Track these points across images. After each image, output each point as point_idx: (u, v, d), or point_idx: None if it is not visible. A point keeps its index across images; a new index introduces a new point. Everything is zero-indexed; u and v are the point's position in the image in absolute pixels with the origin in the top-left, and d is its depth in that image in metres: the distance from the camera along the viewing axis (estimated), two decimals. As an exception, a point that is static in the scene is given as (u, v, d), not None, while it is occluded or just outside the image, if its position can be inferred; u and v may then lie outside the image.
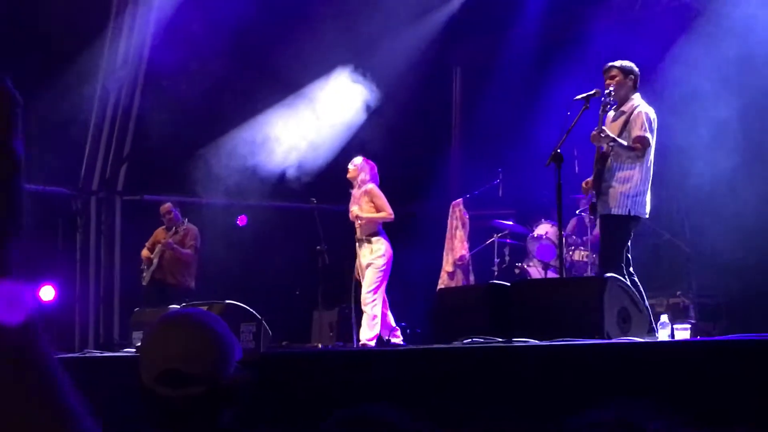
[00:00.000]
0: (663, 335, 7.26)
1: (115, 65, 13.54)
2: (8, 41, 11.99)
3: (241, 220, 13.02)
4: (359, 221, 9.92)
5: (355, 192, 10.02)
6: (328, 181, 12.68)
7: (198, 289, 11.39)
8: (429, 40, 13.59)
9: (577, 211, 11.41)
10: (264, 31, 13.08)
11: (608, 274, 7.13)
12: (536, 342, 6.33)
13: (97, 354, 10.51)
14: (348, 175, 10.08)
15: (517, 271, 11.74)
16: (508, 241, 12.13)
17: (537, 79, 12.81)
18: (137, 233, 12.64)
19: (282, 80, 13.17)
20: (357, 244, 10.01)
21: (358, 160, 10.14)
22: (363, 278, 9.87)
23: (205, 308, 8.03)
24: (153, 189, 13.39)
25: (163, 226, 11.62)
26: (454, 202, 12.20)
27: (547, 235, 11.23)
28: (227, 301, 8.56)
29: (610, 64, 8.05)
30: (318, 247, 10.90)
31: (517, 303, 7.29)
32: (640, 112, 7.79)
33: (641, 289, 7.60)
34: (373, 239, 9.84)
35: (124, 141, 13.71)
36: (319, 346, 10.30)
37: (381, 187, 10.13)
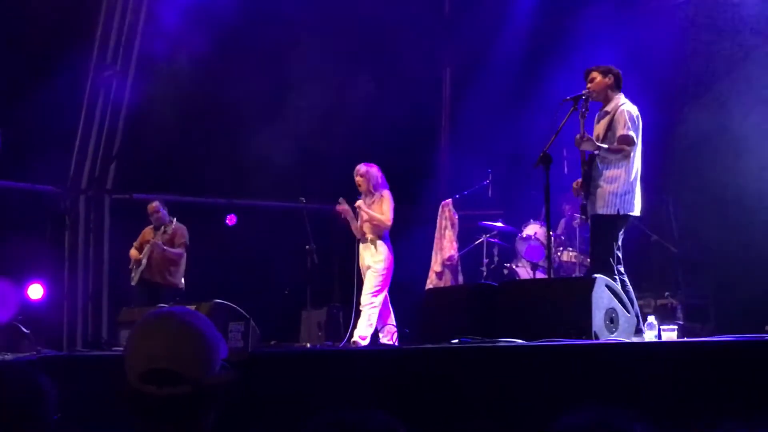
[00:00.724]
0: (650, 336, 7.28)
1: (104, 63, 13.52)
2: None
3: (230, 220, 13.01)
4: (370, 226, 9.91)
5: (368, 200, 9.98)
6: (318, 180, 12.69)
7: (186, 289, 11.37)
8: (419, 41, 13.60)
9: (571, 216, 11.44)
10: (255, 28, 13.07)
11: (596, 275, 7.15)
12: (524, 342, 6.35)
13: (86, 353, 10.51)
14: (360, 188, 10.02)
15: (505, 271, 11.76)
16: (496, 241, 12.15)
17: (526, 80, 12.83)
18: (126, 232, 12.61)
19: (273, 79, 13.16)
20: (361, 243, 10.02)
21: (362, 169, 10.05)
22: (364, 278, 9.89)
23: (193, 307, 8.03)
24: (142, 188, 13.35)
25: (151, 225, 11.58)
26: (443, 202, 12.21)
27: (536, 236, 11.26)
28: (215, 300, 8.57)
29: (589, 68, 8.09)
30: (307, 247, 10.89)
31: (504, 303, 7.30)
32: (623, 110, 7.80)
33: (630, 290, 7.62)
34: (377, 242, 9.86)
35: (113, 139, 13.68)
36: (308, 345, 10.30)
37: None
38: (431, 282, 11.83)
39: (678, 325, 8.33)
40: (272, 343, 10.00)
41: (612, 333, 6.67)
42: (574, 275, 10.72)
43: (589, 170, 7.89)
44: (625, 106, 7.84)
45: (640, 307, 9.71)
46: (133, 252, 11.54)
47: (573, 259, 10.97)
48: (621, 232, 7.85)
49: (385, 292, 9.87)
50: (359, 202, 9.97)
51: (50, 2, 12.10)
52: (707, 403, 4.88)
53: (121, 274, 12.53)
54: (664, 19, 11.70)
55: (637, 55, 11.10)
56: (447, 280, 11.82)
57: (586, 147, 7.83)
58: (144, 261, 11.27)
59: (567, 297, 7.04)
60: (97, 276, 13.68)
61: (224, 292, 9.42)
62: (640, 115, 7.86)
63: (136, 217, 12.37)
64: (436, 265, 11.95)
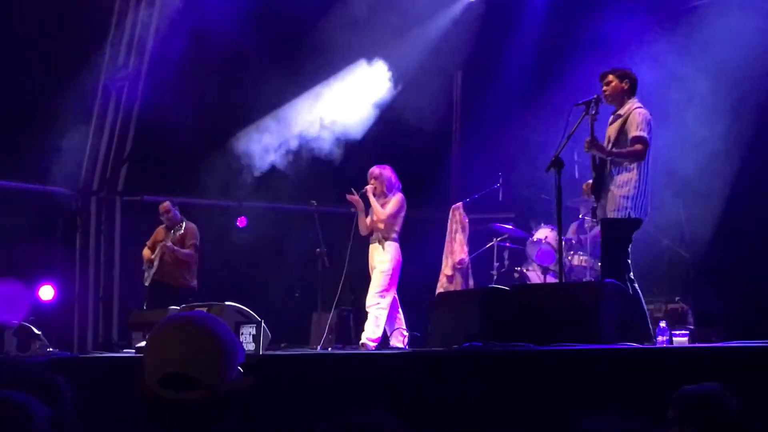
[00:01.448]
0: (661, 341, 7.27)
1: (117, 65, 13.57)
2: (10, 42, 12.02)
3: (241, 222, 13.02)
4: (378, 221, 9.90)
5: (381, 200, 9.97)
6: (329, 183, 12.69)
7: (198, 290, 11.38)
8: (430, 45, 13.60)
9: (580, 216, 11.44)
10: (266, 32, 13.09)
11: (607, 280, 7.14)
12: (534, 347, 6.34)
13: (97, 354, 10.54)
14: (375, 192, 10.00)
15: (516, 275, 11.75)
16: (507, 245, 12.13)
17: (537, 84, 12.82)
18: (137, 233, 12.64)
19: (283, 82, 13.18)
20: (371, 243, 10.02)
21: (375, 171, 10.03)
22: (372, 279, 9.88)
23: (204, 309, 8.06)
24: (153, 189, 13.38)
25: (164, 225, 11.60)
26: (454, 206, 12.19)
27: (547, 240, 11.24)
28: (227, 303, 8.57)
29: (605, 70, 8.07)
30: (318, 250, 10.89)
31: (515, 307, 7.29)
32: (637, 112, 7.78)
33: (640, 295, 7.60)
34: (386, 243, 9.85)
35: (125, 141, 13.74)
36: (318, 348, 10.30)
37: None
38: (442, 286, 11.82)
39: (689, 330, 8.30)
40: (282, 345, 10.00)
41: (623, 338, 6.66)
42: (584, 279, 10.70)
43: (601, 173, 7.87)
44: (638, 108, 7.83)
45: (651, 311, 9.71)
46: (146, 252, 11.56)
47: (584, 263, 10.95)
48: (631, 237, 7.82)
49: (392, 294, 9.83)
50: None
51: (63, 6, 12.14)
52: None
53: (131, 276, 12.56)
54: (672, 24, 11.68)
55: (651, 59, 11.07)
56: (457, 284, 11.80)
57: (595, 152, 7.81)
58: (156, 262, 11.28)
59: (578, 301, 7.03)
60: (107, 277, 13.73)
61: (235, 294, 9.42)
62: (651, 119, 7.84)
63: (146, 219, 12.40)
64: (446, 269, 11.93)
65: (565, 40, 12.74)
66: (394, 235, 9.87)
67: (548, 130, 10.54)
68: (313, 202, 11.09)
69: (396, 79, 13.01)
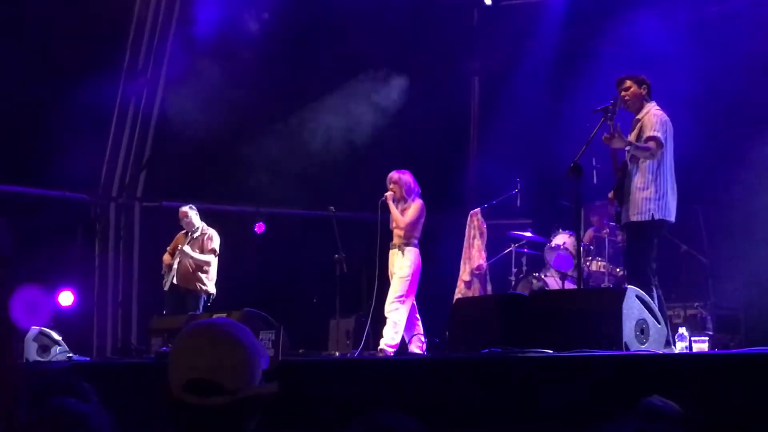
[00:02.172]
0: (681, 347, 7.25)
1: (136, 70, 13.62)
2: (29, 47, 12.08)
3: (259, 228, 13.04)
4: (400, 233, 9.91)
5: (401, 206, 9.99)
6: (347, 189, 12.71)
7: (217, 296, 11.40)
8: (447, 50, 13.61)
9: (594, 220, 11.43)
10: (287, 39, 13.14)
11: (626, 285, 7.12)
12: (553, 353, 6.33)
13: (116, 359, 10.58)
14: (394, 196, 10.01)
15: (534, 281, 11.73)
16: (525, 250, 12.13)
17: (556, 90, 12.81)
18: (156, 239, 12.69)
19: (301, 89, 13.21)
20: (390, 249, 10.02)
21: (394, 176, 10.03)
22: (391, 285, 9.88)
23: (224, 315, 8.08)
24: (172, 195, 13.43)
25: (184, 231, 11.64)
26: (472, 212, 12.19)
27: (565, 246, 11.22)
28: (246, 309, 8.59)
29: (622, 76, 8.08)
30: (336, 256, 10.91)
31: (534, 313, 7.28)
32: (652, 114, 7.82)
33: (663, 301, 7.58)
34: (406, 249, 9.85)
35: (144, 147, 13.79)
36: (336, 353, 10.31)
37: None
38: (460, 291, 11.82)
39: (708, 336, 8.28)
40: (301, 351, 10.02)
41: (643, 344, 6.64)
42: (603, 285, 10.67)
43: (623, 178, 7.88)
44: (654, 110, 7.85)
45: (670, 317, 9.68)
46: (166, 257, 11.60)
47: (602, 269, 10.93)
48: (656, 240, 7.79)
49: (411, 300, 9.83)
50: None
51: (81, 10, 12.20)
52: (737, 416, 4.86)
53: (150, 281, 12.60)
54: (698, 30, 11.65)
55: (668, 65, 11.05)
56: (476, 290, 11.80)
57: (616, 144, 7.79)
58: (175, 267, 11.31)
59: (597, 307, 7.01)
60: (126, 283, 13.77)
61: (253, 300, 9.44)
62: (669, 122, 7.83)
63: (165, 225, 12.44)
64: (464, 275, 11.93)
65: (583, 46, 12.74)
66: (414, 241, 9.87)
67: (566, 136, 10.54)
68: (332, 208, 11.10)
69: (414, 85, 13.02)
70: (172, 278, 11.34)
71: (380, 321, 9.94)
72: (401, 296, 9.69)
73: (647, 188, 7.73)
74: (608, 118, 7.81)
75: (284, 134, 13.00)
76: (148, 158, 13.83)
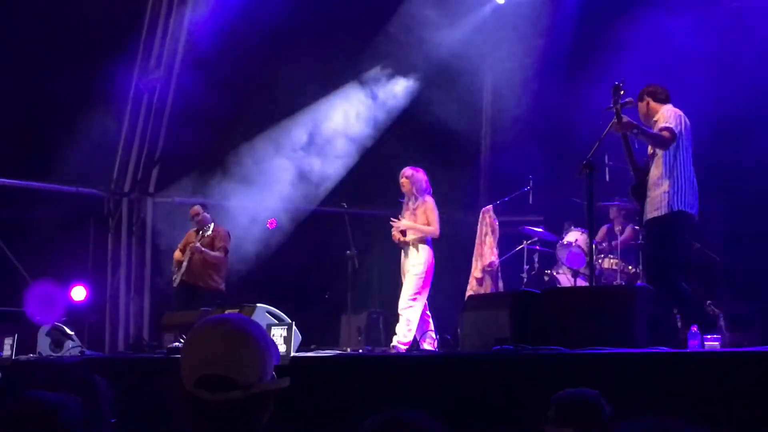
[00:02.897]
0: (693, 345, 7.22)
1: (148, 67, 13.65)
2: (43, 43, 12.11)
3: (271, 224, 13.04)
4: (409, 230, 9.91)
5: (411, 203, 10.00)
6: (359, 185, 12.71)
7: (228, 292, 11.42)
8: (460, 47, 13.59)
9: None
10: (296, 34, 13.14)
11: (639, 283, 7.10)
12: (566, 350, 6.32)
13: (128, 354, 10.60)
14: (403, 189, 10.04)
15: (546, 278, 11.72)
16: (537, 248, 12.12)
17: (568, 86, 12.78)
18: (168, 235, 12.73)
19: (313, 84, 13.22)
20: (402, 249, 10.03)
21: (408, 171, 10.06)
22: (404, 282, 9.88)
23: (235, 311, 8.09)
24: (184, 191, 13.46)
25: (195, 228, 11.64)
26: (484, 209, 12.18)
27: (577, 243, 11.20)
28: (258, 304, 8.60)
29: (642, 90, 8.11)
30: (348, 252, 10.92)
31: (547, 310, 7.27)
32: (666, 109, 7.84)
33: (691, 298, 7.56)
34: (419, 246, 9.86)
35: (156, 143, 13.82)
36: (348, 350, 10.31)
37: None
38: (471, 288, 11.81)
39: (720, 334, 8.25)
40: (312, 347, 10.03)
41: (655, 342, 6.62)
42: (615, 282, 10.66)
43: (641, 177, 7.87)
44: (668, 108, 7.84)
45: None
46: (177, 254, 11.61)
47: (614, 267, 10.91)
48: (677, 233, 7.77)
49: (424, 297, 9.84)
50: (404, 225, 9.94)
51: (95, 7, 12.23)
52: (750, 414, 4.84)
53: (162, 277, 12.63)
54: (710, 23, 11.60)
55: (684, 61, 11.02)
56: (487, 287, 11.79)
57: (624, 129, 7.75)
58: (185, 264, 11.32)
59: (610, 305, 7.00)
60: (139, 278, 13.80)
61: (265, 296, 9.45)
62: (685, 117, 7.81)
63: (178, 220, 12.47)
64: (476, 272, 11.92)
65: (595, 42, 12.70)
66: (428, 238, 9.88)
67: (578, 133, 10.52)
68: (344, 204, 11.10)
69: (427, 82, 13.02)
70: (182, 275, 11.35)
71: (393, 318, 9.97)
72: (415, 293, 9.70)
73: (664, 182, 7.71)
74: (614, 102, 7.76)
75: (297, 130, 13.01)
76: (160, 154, 13.85)
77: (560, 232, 11.74)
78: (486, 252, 11.96)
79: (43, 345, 10.05)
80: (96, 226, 13.70)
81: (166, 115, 13.73)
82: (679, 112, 7.82)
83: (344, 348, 10.74)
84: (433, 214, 9.88)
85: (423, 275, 9.77)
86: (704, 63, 11.11)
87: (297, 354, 7.80)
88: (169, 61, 13.57)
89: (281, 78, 13.10)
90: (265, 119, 13.36)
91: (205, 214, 11.56)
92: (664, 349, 6.43)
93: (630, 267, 10.85)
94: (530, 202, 12.18)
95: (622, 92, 7.77)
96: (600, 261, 10.99)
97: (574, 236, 11.33)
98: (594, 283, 8.76)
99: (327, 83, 13.31)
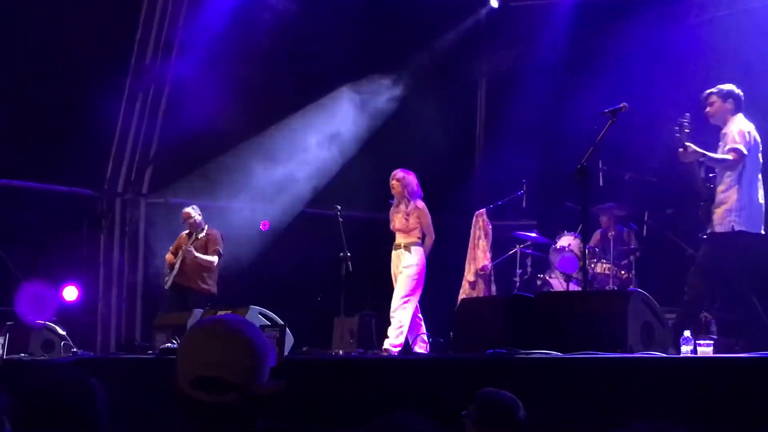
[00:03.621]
0: (685, 350, 7.23)
1: (142, 68, 13.63)
2: (36, 42, 12.09)
3: (264, 226, 13.03)
4: (403, 234, 9.90)
5: (402, 206, 9.99)
6: (353, 187, 12.70)
7: (221, 294, 11.40)
8: (454, 51, 13.62)
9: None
10: (291, 38, 13.13)
11: (632, 288, 7.09)
12: (558, 354, 6.33)
13: (120, 355, 10.58)
14: (393, 192, 10.03)
15: (539, 282, 11.72)
16: (530, 252, 12.11)
17: (562, 91, 12.80)
18: (161, 235, 12.71)
19: (308, 87, 13.21)
20: (394, 250, 10.01)
21: (399, 174, 10.05)
22: (396, 285, 9.87)
23: (229, 312, 8.09)
24: (178, 191, 13.43)
25: (187, 231, 11.61)
26: (477, 212, 12.18)
27: (570, 247, 11.20)
28: (251, 306, 8.59)
29: (708, 91, 8.13)
30: (341, 254, 10.91)
31: (540, 315, 7.28)
32: (734, 128, 7.91)
33: (761, 314, 7.61)
34: (412, 248, 9.85)
35: (150, 143, 13.79)
36: (340, 352, 10.30)
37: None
38: (464, 292, 11.81)
39: (713, 339, 8.25)
40: (304, 349, 10.02)
41: (648, 347, 6.63)
42: (607, 287, 10.66)
43: (710, 192, 7.94)
44: (737, 125, 7.94)
45: (674, 321, 9.65)
46: (169, 256, 11.57)
47: (607, 271, 10.91)
48: (741, 251, 7.82)
49: (416, 299, 9.83)
50: (399, 225, 9.95)
51: (90, 6, 12.21)
52: (742, 419, 4.85)
53: (154, 278, 12.61)
54: (702, 31, 11.64)
55: (674, 67, 11.05)
56: (480, 290, 11.79)
57: (691, 157, 7.84)
58: (177, 266, 11.29)
59: (603, 310, 7.01)
60: (131, 279, 13.78)
61: (258, 298, 9.44)
62: (754, 133, 7.87)
63: (171, 221, 12.45)
64: (469, 275, 11.92)
65: (589, 48, 12.72)
66: (419, 240, 9.86)
67: (572, 138, 10.52)
68: (338, 206, 11.09)
69: (422, 85, 13.02)
70: (174, 277, 11.32)
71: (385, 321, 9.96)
72: (407, 295, 9.68)
73: (727, 200, 7.82)
74: (683, 130, 7.82)
75: (291, 132, 13.00)
76: (154, 154, 13.83)
77: (553, 237, 11.73)
78: (479, 256, 11.96)
79: (35, 345, 10.04)
80: (89, 226, 13.65)
81: (159, 115, 13.69)
82: (748, 128, 7.91)
83: (336, 350, 10.72)
84: (426, 219, 9.88)
85: (415, 277, 9.75)
86: (693, 70, 11.13)
87: (289, 356, 7.81)
88: (164, 61, 13.54)
89: (275, 80, 13.10)
90: (258, 121, 13.34)
91: (197, 216, 11.50)
92: (657, 354, 6.44)
93: (623, 272, 10.86)
94: (524, 206, 12.18)
95: (687, 130, 7.82)
96: (593, 266, 10.99)
97: (567, 241, 11.32)
98: (586, 288, 8.77)
99: (320, 85, 13.30)
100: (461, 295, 11.62)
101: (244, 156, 13.05)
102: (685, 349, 7.21)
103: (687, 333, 7.46)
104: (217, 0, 12.87)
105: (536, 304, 7.53)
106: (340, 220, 10.89)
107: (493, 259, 12.05)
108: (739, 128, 7.88)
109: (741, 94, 8.12)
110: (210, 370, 2.34)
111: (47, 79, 12.10)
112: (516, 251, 12.08)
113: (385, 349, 9.56)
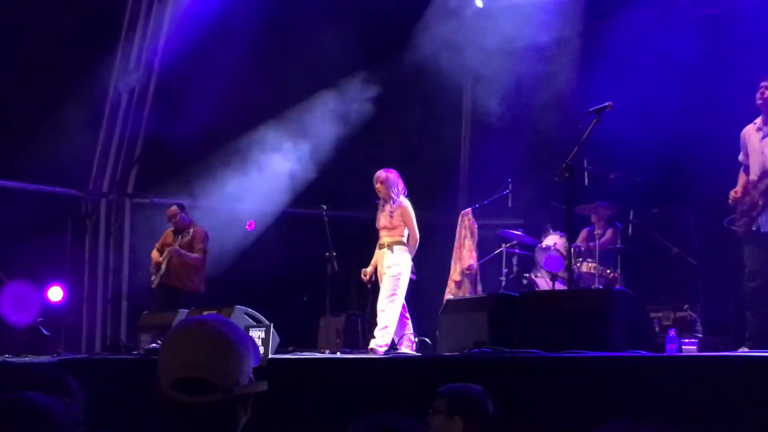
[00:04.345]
0: (670, 349, 7.25)
1: (127, 68, 13.60)
2: (22, 43, 12.05)
3: (250, 225, 13.01)
4: (388, 232, 9.87)
5: (387, 206, 9.94)
6: (338, 187, 12.70)
7: (206, 293, 11.37)
8: (440, 51, 13.62)
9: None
10: (276, 38, 13.12)
11: (618, 287, 7.12)
12: (543, 353, 6.34)
13: (105, 355, 10.55)
14: (378, 193, 9.97)
15: (524, 281, 11.73)
16: (516, 251, 12.12)
17: (548, 90, 12.82)
18: (146, 236, 12.67)
19: (292, 86, 13.20)
20: (378, 249, 9.98)
21: (381, 175, 9.97)
22: (381, 285, 9.84)
23: (214, 312, 8.07)
24: (163, 191, 13.40)
25: (172, 228, 11.57)
26: (463, 212, 12.19)
27: (555, 246, 11.21)
28: (236, 306, 8.57)
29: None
30: (327, 254, 10.89)
31: (525, 314, 7.29)
32: None
33: None
34: (396, 248, 9.80)
35: (135, 143, 13.76)
36: (326, 352, 10.29)
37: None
38: (450, 291, 11.81)
39: (697, 338, 8.29)
40: (290, 349, 10.01)
41: (632, 345, 6.65)
42: (593, 286, 10.68)
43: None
44: None
45: (659, 319, 9.69)
46: (155, 254, 11.52)
47: (592, 270, 10.92)
48: None
49: (402, 298, 9.80)
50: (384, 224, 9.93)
51: (74, 9, 12.18)
52: (727, 417, 4.86)
53: (140, 277, 12.58)
54: (697, 29, 11.66)
55: (660, 68, 11.07)
56: (466, 290, 11.79)
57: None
58: (164, 266, 11.25)
59: (588, 308, 7.02)
60: (116, 279, 13.74)
61: (243, 298, 9.42)
62: None
63: (156, 221, 12.42)
64: (455, 275, 11.92)
65: (575, 47, 12.75)
66: (402, 239, 9.83)
67: (558, 137, 10.55)
68: (323, 206, 11.08)
69: (407, 85, 13.02)
70: (161, 277, 11.28)
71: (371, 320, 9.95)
72: (392, 294, 9.65)
73: None
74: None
75: (276, 132, 12.98)
76: (138, 155, 13.80)
77: (539, 236, 11.75)
78: (465, 255, 11.97)
79: (19, 346, 10.01)
80: (74, 226, 13.62)
81: (144, 116, 13.67)
82: None
83: (322, 350, 10.71)
84: (410, 218, 9.82)
85: (399, 276, 9.70)
86: (682, 68, 11.15)
87: (275, 356, 7.79)
88: (149, 62, 13.52)
89: (261, 80, 13.08)
90: (244, 121, 13.32)
91: (183, 214, 11.48)
92: (642, 352, 6.46)
93: (608, 271, 10.87)
94: (509, 205, 12.19)
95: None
96: (578, 265, 11.00)
97: (553, 240, 11.33)
98: (572, 287, 8.78)
99: (306, 85, 13.28)
100: (447, 295, 11.63)
101: (230, 156, 13.02)
102: (670, 347, 7.24)
103: (672, 332, 7.50)
104: (201, 1, 12.86)
105: (521, 303, 7.54)
106: (326, 219, 10.88)
107: (478, 258, 12.07)
108: None
109: None
110: (192, 371, 2.34)
111: (31, 78, 12.06)
112: (502, 250, 12.09)
113: (371, 349, 9.53)
